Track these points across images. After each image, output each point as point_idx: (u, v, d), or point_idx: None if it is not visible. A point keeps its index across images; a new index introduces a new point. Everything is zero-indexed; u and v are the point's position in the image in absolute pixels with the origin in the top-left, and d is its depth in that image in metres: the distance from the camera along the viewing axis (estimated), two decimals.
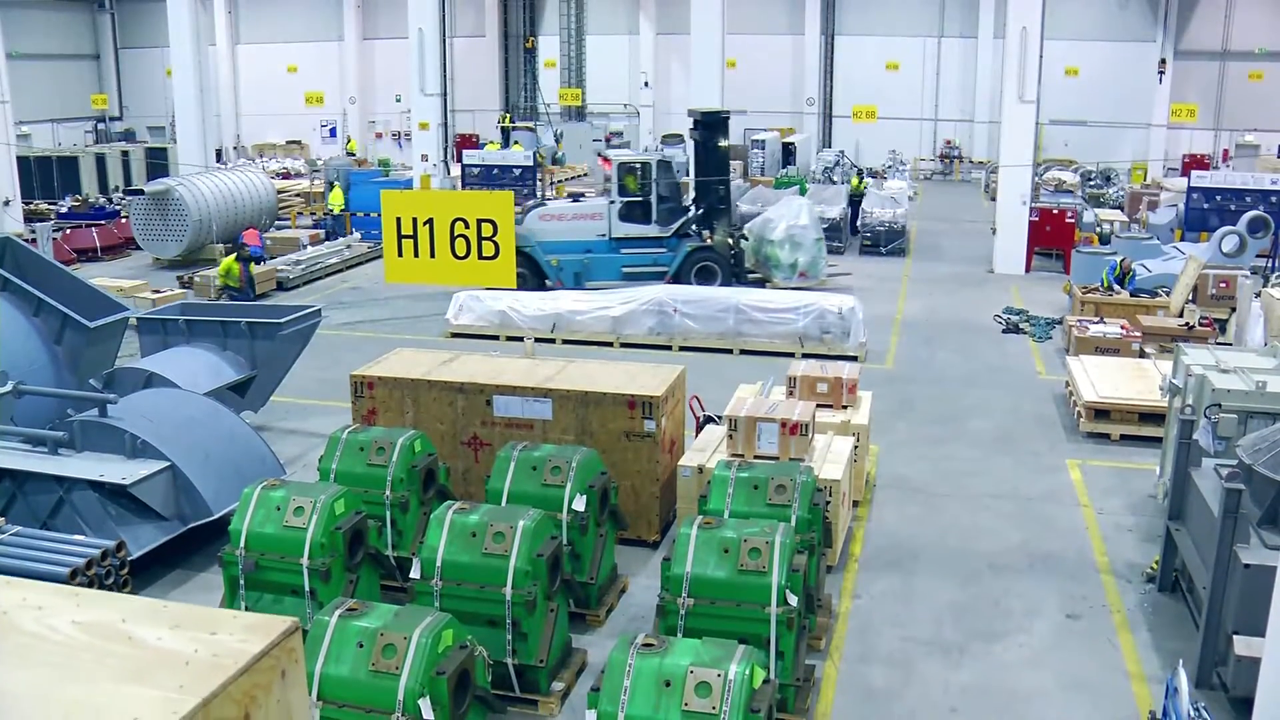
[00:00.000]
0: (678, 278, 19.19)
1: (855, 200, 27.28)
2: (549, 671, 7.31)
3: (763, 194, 26.33)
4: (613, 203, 19.83)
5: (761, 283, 19.91)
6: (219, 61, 43.71)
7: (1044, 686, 7.63)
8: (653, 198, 19.69)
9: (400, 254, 8.02)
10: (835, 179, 32.79)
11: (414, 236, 7.98)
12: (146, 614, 1.58)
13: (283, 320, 12.16)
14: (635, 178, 19.74)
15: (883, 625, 8.45)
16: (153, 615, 1.58)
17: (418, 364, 10.55)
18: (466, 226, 7.80)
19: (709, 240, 19.62)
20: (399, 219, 7.99)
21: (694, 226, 19.78)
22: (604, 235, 19.71)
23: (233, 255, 19.86)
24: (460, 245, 7.78)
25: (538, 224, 19.89)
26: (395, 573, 8.31)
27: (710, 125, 19.86)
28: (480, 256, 7.74)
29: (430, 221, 7.85)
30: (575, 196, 21.72)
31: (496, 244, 7.75)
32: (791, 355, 15.35)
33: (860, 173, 32.11)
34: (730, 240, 19.89)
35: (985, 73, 40.43)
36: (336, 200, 26.32)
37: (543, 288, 19.06)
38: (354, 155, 39.48)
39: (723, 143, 19.90)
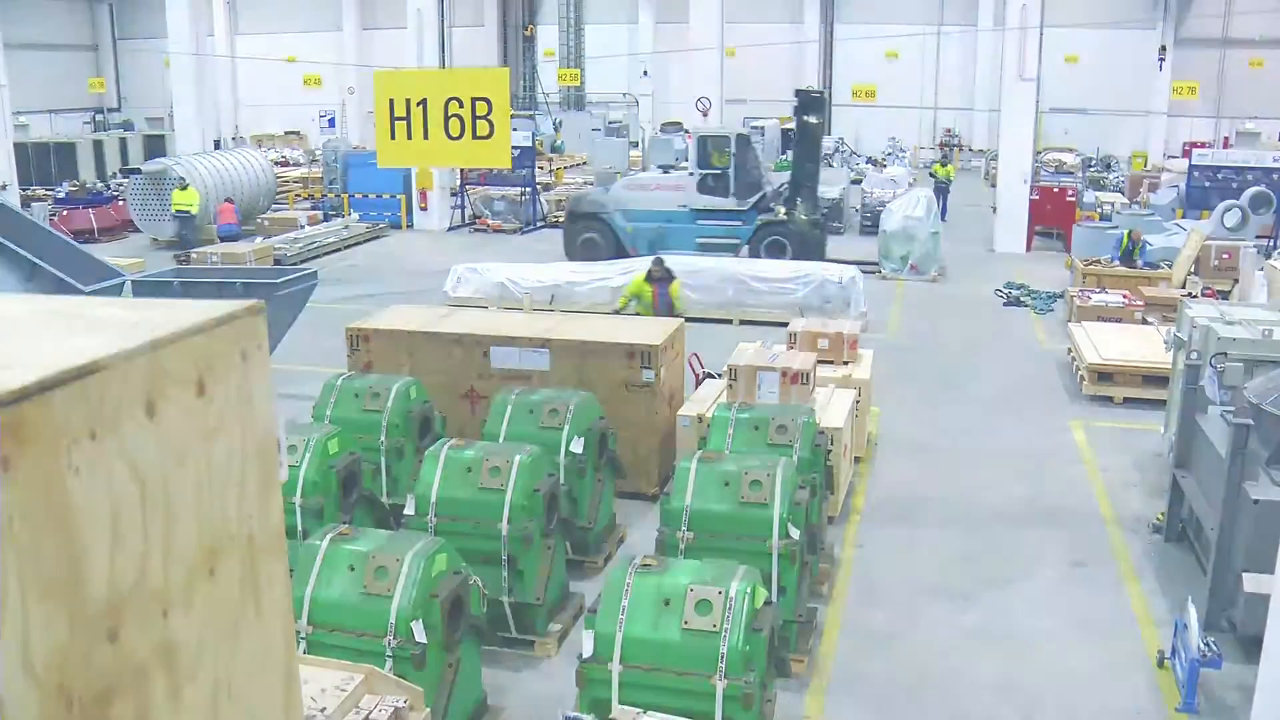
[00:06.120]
0: (750, 250, 19.23)
1: (943, 189, 26.30)
2: (546, 611, 7.18)
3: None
4: (692, 174, 19.87)
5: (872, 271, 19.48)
6: (217, 52, 43.56)
7: (1051, 629, 7.51)
8: (732, 171, 19.63)
9: (393, 136, 7.89)
10: (833, 164, 32.72)
11: (407, 118, 7.85)
12: (102, 302, 1.48)
13: (278, 280, 12.03)
14: (717, 151, 19.71)
15: (886, 572, 8.33)
16: (108, 302, 1.47)
17: (415, 318, 10.44)
18: (461, 106, 7.66)
19: (782, 215, 19.44)
20: (391, 100, 7.86)
21: (771, 202, 19.67)
22: (684, 206, 19.77)
23: (643, 274, 13.23)
24: (454, 125, 7.62)
25: (623, 192, 20.21)
26: (390, 519, 8.18)
27: (805, 104, 19.79)
28: (474, 136, 7.58)
29: (424, 102, 7.72)
30: (666, 168, 21.64)
31: (491, 123, 7.59)
32: None
33: (944, 160, 29.31)
34: (809, 219, 19.60)
35: (985, 62, 40.31)
36: (181, 199, 22.07)
37: (621, 255, 18.88)
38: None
39: (814, 120, 19.70)
